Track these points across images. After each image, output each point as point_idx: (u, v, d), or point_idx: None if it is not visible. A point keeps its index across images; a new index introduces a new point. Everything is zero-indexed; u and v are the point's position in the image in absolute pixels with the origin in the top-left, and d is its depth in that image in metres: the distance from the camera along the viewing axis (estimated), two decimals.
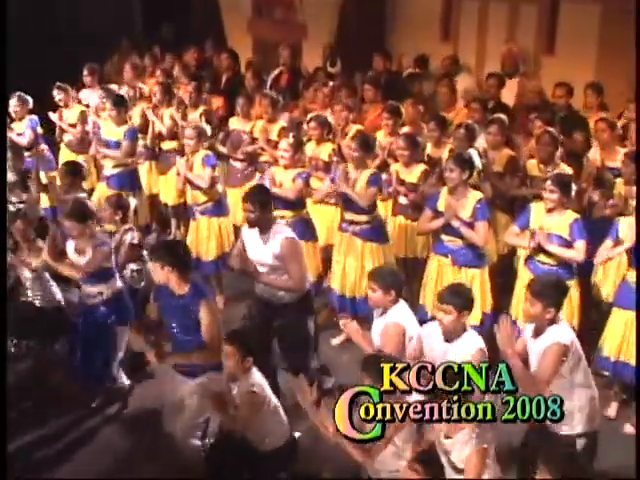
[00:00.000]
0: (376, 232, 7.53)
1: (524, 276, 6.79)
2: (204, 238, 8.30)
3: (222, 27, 13.09)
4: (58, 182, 8.06)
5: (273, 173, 7.83)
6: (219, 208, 8.32)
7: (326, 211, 8.32)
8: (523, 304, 5.37)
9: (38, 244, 7.23)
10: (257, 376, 5.54)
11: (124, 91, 10.12)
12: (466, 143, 7.89)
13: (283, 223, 6.56)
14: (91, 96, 10.55)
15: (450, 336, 5.30)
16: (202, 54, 11.76)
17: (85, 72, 10.61)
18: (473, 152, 7.39)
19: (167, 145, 9.73)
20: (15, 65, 10.45)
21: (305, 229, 7.70)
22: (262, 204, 6.13)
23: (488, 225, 6.99)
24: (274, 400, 5.60)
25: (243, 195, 6.36)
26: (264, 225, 6.16)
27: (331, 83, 10.14)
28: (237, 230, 8.45)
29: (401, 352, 5.50)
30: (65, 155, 10.27)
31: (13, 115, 9.69)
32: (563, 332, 5.08)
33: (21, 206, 8.32)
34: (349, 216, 7.52)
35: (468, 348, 5.23)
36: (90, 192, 9.73)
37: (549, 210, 6.66)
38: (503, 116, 8.42)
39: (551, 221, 6.64)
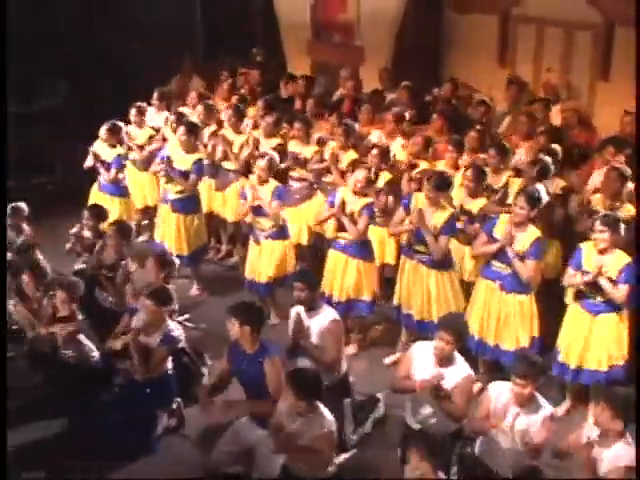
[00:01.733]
0: (443, 260, 7.55)
1: (574, 312, 6.83)
2: (265, 260, 8.45)
3: (282, 50, 13.24)
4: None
5: (342, 196, 7.90)
6: (282, 233, 8.49)
7: (375, 230, 8.42)
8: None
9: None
10: (328, 413, 5.57)
11: (195, 117, 10.18)
12: (538, 178, 7.86)
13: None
14: (157, 118, 10.71)
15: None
16: (264, 77, 11.89)
17: (155, 95, 10.75)
18: (541, 188, 7.38)
19: (228, 165, 9.85)
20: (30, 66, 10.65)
21: (366, 250, 7.92)
22: (311, 285, 6.43)
23: (538, 264, 7.00)
24: None
25: (296, 276, 6.72)
26: (311, 304, 6.44)
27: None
28: (297, 250, 8.78)
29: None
30: (130, 172, 10.49)
31: (103, 141, 9.72)
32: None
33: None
34: (417, 247, 7.55)
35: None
36: (153, 208, 10.06)
37: (601, 251, 6.64)
38: (556, 147, 8.39)
39: (603, 261, 6.61)
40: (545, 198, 7.23)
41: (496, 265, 7.08)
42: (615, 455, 5.04)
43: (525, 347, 7.02)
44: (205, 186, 10.00)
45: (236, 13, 13.68)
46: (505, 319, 7.08)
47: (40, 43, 13.10)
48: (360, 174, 7.78)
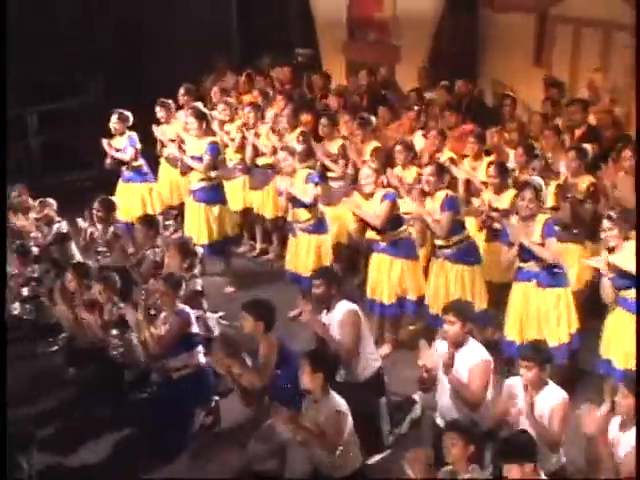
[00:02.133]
0: (464, 254, 7.57)
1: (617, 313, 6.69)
2: (304, 254, 8.45)
3: (318, 48, 13.22)
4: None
5: (355, 197, 7.95)
6: (320, 226, 8.47)
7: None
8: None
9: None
10: (338, 397, 5.62)
11: (220, 109, 10.31)
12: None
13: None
14: (183, 116, 10.67)
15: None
16: (296, 75, 11.94)
17: (181, 91, 10.83)
18: (538, 179, 7.32)
19: (262, 161, 9.89)
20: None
21: (408, 249, 7.87)
22: (329, 282, 6.44)
23: (557, 241, 6.98)
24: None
25: (314, 272, 6.78)
26: (328, 301, 6.46)
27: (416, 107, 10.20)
28: (336, 247, 8.79)
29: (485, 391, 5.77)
30: (165, 169, 10.67)
31: (113, 131, 9.97)
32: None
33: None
34: (440, 242, 7.56)
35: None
36: (180, 206, 10.14)
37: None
38: (587, 146, 8.33)
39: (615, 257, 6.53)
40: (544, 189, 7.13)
41: (526, 266, 7.02)
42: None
43: (565, 343, 7.00)
44: (239, 183, 10.08)
45: (273, 12, 13.67)
46: (545, 315, 7.03)
47: (77, 41, 13.26)
48: (365, 171, 7.79)
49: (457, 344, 5.83)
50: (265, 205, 10.00)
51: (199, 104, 10.46)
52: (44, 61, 12.96)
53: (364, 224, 7.81)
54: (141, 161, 10.18)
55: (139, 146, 10.07)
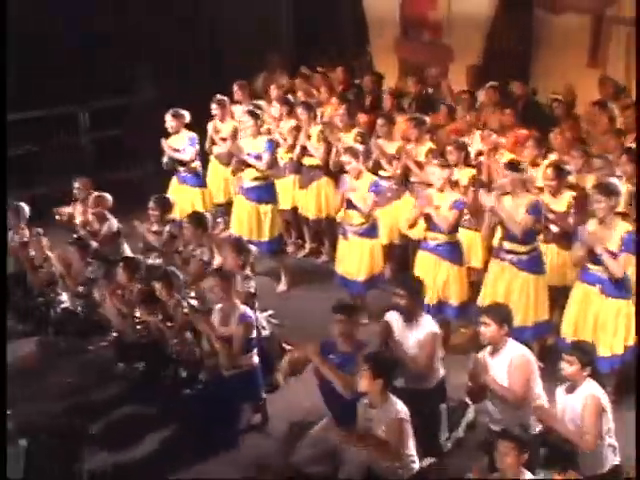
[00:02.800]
0: (533, 263, 7.45)
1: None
2: (354, 258, 8.37)
3: (369, 47, 13.12)
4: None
5: (430, 195, 7.80)
6: (372, 230, 8.39)
7: (465, 235, 8.32)
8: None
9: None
10: (399, 403, 5.51)
11: (276, 107, 10.31)
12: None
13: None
14: (239, 112, 10.70)
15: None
16: (349, 74, 11.83)
17: (235, 88, 10.82)
18: (615, 180, 7.19)
19: (309, 161, 9.84)
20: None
21: (456, 252, 7.79)
22: (412, 292, 6.29)
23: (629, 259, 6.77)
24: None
25: (397, 282, 6.62)
26: (412, 312, 6.28)
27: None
28: (386, 250, 8.70)
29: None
30: (214, 167, 10.65)
31: (169, 129, 9.90)
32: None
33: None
34: (509, 246, 7.42)
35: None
36: (229, 204, 10.11)
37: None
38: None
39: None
40: (622, 189, 7.03)
41: (594, 268, 6.87)
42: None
43: (618, 355, 6.86)
44: (289, 182, 10.05)
45: (325, 11, 13.59)
46: (602, 324, 6.89)
47: (129, 38, 13.28)
48: (435, 171, 7.73)
49: (495, 347, 5.81)
50: (308, 205, 9.96)
51: (257, 102, 10.56)
52: (94, 58, 12.99)
53: (421, 220, 7.73)
54: (198, 162, 10.12)
55: (198, 147, 10.03)
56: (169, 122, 9.82)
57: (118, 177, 12.52)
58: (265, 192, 9.32)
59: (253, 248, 7.95)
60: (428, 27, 12.44)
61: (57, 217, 9.36)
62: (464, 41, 11.83)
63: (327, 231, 10.08)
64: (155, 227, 8.64)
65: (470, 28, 11.72)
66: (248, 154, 9.18)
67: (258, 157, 9.12)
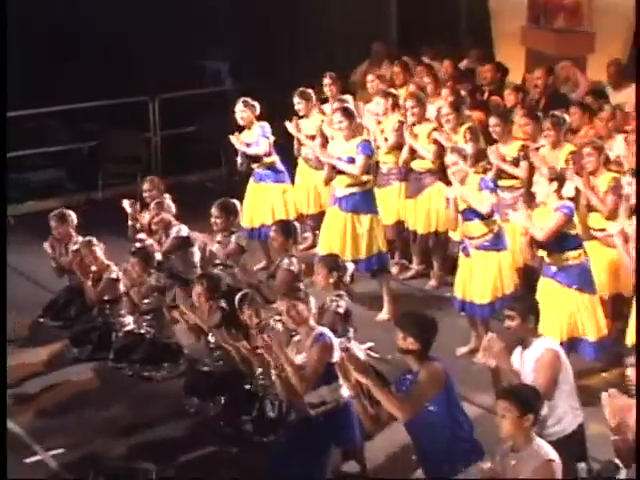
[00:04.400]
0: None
1: None
2: (480, 277, 8.24)
3: (490, 36, 12.93)
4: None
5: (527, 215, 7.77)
6: (498, 241, 8.25)
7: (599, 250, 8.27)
8: None
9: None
10: (545, 443, 5.38)
11: (377, 102, 10.21)
12: None
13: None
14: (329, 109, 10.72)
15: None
16: (456, 66, 11.81)
17: (326, 81, 10.79)
18: None
19: (419, 164, 9.69)
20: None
21: (584, 278, 7.72)
22: (525, 313, 6.19)
23: None
24: None
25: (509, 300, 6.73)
26: (523, 338, 6.23)
27: None
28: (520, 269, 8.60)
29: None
30: (302, 170, 10.66)
31: (240, 122, 9.93)
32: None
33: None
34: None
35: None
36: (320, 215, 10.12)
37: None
38: None
39: None
40: None
41: None
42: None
43: None
44: (393, 191, 9.93)
45: None
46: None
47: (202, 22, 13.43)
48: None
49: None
50: (417, 218, 9.84)
51: (348, 97, 10.49)
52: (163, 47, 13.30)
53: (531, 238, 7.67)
54: (275, 157, 10.16)
55: (272, 138, 10.04)
56: (240, 112, 9.92)
57: (187, 180, 12.80)
58: (362, 201, 9.17)
59: (350, 265, 7.80)
60: (565, 11, 12.28)
61: (130, 222, 9.37)
62: (608, 29, 11.65)
63: (437, 249, 9.92)
64: (219, 237, 8.61)
65: (615, 13, 11.53)
66: (339, 158, 9.09)
67: (351, 161, 9.04)
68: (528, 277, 8.76)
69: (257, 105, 9.98)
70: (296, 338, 6.76)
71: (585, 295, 7.64)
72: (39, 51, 12.99)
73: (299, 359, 6.60)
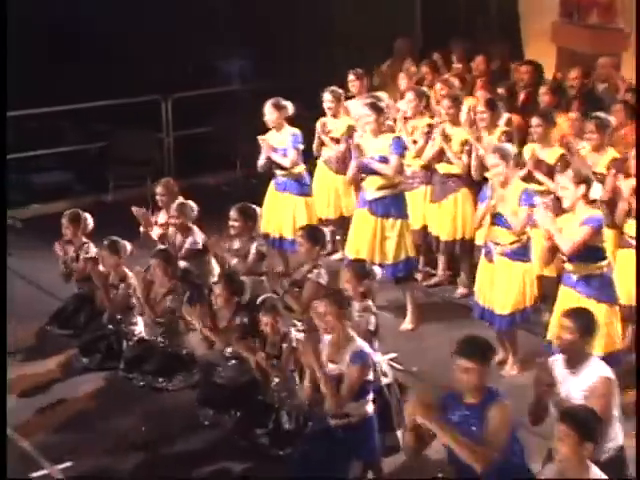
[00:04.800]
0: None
1: None
2: (502, 285, 8.18)
3: (518, 33, 12.92)
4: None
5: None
6: (524, 252, 8.20)
7: None
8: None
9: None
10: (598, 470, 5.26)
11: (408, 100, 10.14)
12: None
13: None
14: (357, 107, 10.55)
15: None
16: (489, 65, 11.77)
17: (351, 77, 10.79)
18: None
19: (445, 168, 9.67)
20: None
21: (605, 289, 7.64)
22: (583, 326, 6.03)
23: None
24: None
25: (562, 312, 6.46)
26: (578, 353, 6.05)
27: None
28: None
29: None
30: (322, 173, 10.63)
31: (269, 124, 9.87)
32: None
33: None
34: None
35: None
36: (348, 219, 10.11)
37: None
38: None
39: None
40: None
41: None
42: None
43: None
44: (418, 195, 9.92)
45: None
46: None
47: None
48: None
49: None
50: (441, 224, 9.83)
51: (381, 94, 10.41)
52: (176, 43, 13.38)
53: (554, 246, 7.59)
54: (301, 167, 10.08)
55: (302, 147, 9.97)
56: (269, 115, 9.78)
57: (201, 182, 12.76)
58: (393, 204, 9.13)
59: (378, 271, 7.73)
60: (598, 7, 12.23)
61: (142, 229, 9.30)
62: None
63: (463, 256, 9.91)
64: (237, 244, 8.58)
65: None
66: (371, 157, 9.03)
67: (383, 160, 8.96)
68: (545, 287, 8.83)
69: (289, 106, 9.83)
70: (327, 337, 6.67)
71: (603, 305, 7.53)
72: (39, 51, 13.11)
73: (332, 367, 6.53)
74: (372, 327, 7.30)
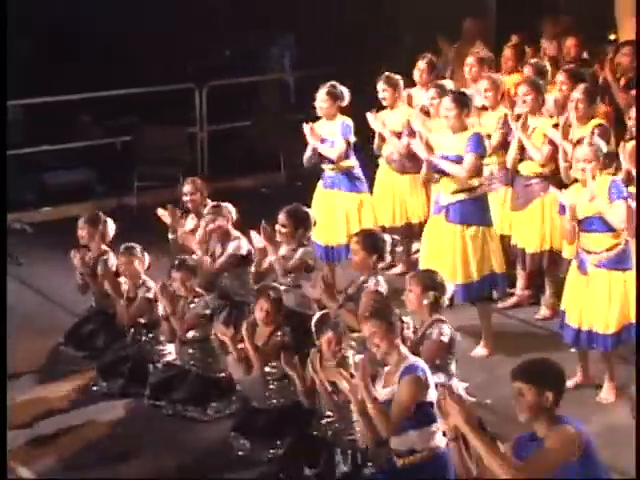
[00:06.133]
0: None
1: None
2: (601, 302, 8.16)
3: (613, 11, 12.78)
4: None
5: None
6: (624, 260, 8.18)
7: None
8: None
9: None
10: None
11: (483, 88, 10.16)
12: None
13: None
14: (420, 95, 10.75)
15: None
16: (582, 46, 11.79)
17: (421, 65, 10.79)
18: None
19: (527, 168, 9.57)
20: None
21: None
22: None
23: None
24: None
25: None
26: None
27: None
28: None
29: None
30: (384, 174, 10.70)
31: (320, 113, 9.91)
32: None
33: None
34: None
35: None
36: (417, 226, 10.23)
37: None
38: None
39: None
40: None
41: None
42: None
43: None
44: (497, 199, 9.87)
45: None
46: None
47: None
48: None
49: None
50: (526, 234, 9.76)
51: (448, 82, 10.42)
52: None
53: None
54: (353, 161, 10.08)
55: (353, 139, 9.98)
56: (320, 102, 9.85)
57: (239, 184, 12.93)
58: (474, 210, 9.06)
59: (450, 286, 7.73)
60: None
61: (171, 236, 9.34)
62: None
63: (551, 271, 9.79)
64: (283, 249, 8.57)
65: None
66: (444, 157, 8.95)
67: (458, 160, 8.89)
68: None
69: (345, 92, 9.89)
70: (386, 369, 6.66)
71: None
72: (39, 51, 13.59)
73: (384, 393, 6.52)
74: (445, 338, 7.29)
